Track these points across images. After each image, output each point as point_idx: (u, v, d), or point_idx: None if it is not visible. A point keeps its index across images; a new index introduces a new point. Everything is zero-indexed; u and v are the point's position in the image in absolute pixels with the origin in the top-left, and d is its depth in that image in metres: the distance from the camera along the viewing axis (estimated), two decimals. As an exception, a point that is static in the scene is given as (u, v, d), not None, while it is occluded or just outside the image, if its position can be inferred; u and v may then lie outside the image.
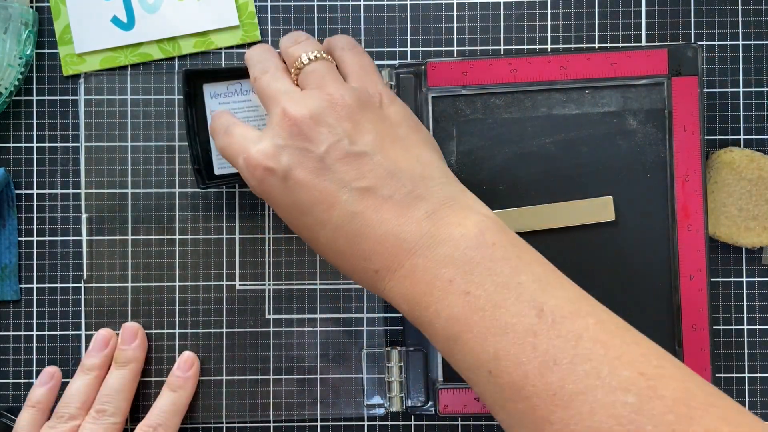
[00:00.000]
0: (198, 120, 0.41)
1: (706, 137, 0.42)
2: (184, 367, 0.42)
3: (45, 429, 0.39)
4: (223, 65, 0.43)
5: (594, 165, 0.40)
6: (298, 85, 0.35)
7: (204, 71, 0.40)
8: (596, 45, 0.43)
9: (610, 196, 0.40)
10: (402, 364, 0.42)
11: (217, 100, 0.41)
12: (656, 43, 0.42)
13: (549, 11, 0.43)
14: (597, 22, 0.43)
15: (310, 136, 0.32)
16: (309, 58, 0.34)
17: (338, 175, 0.31)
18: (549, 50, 0.43)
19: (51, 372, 0.42)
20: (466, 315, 0.29)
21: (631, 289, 0.40)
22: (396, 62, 0.43)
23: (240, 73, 0.40)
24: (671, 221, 0.40)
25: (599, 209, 0.40)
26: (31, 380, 0.42)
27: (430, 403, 0.42)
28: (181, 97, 0.41)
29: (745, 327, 0.42)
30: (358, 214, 0.31)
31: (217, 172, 0.41)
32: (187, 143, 0.41)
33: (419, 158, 0.33)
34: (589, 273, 0.40)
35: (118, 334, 0.42)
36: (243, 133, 0.34)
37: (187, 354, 0.42)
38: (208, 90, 0.41)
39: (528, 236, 0.40)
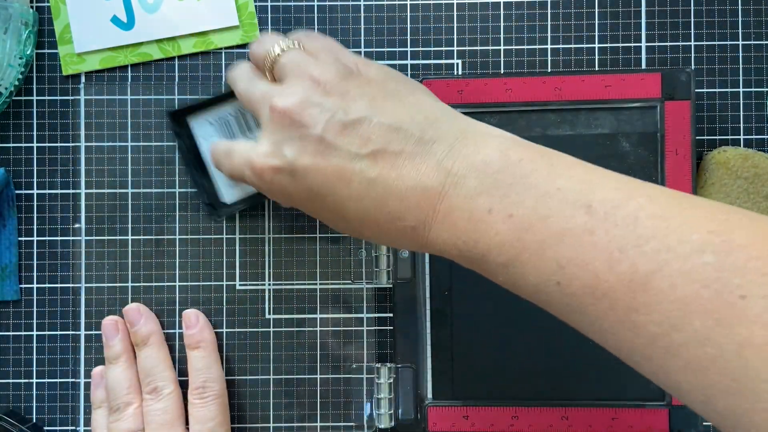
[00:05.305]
0: (195, 155, 0.41)
1: (706, 137, 0.42)
2: (191, 323, 0.42)
3: (112, 423, 0.40)
4: (210, 96, 0.43)
5: None
6: (276, 81, 0.35)
7: (188, 107, 0.41)
8: (596, 45, 0.43)
9: None
10: (391, 380, 0.42)
11: (206, 130, 0.41)
12: (651, 67, 0.42)
13: (549, 21, 0.43)
14: (597, 22, 0.43)
15: (303, 122, 0.31)
16: (281, 49, 0.34)
17: (344, 149, 0.31)
18: (548, 66, 0.43)
19: (100, 371, 0.42)
20: (516, 237, 0.28)
21: None
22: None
23: (222, 99, 0.41)
24: None
25: None
26: (30, 380, 0.42)
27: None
28: (183, 95, 0.41)
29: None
30: (376, 179, 0.30)
31: (228, 200, 0.41)
32: (190, 181, 0.42)
33: (417, 105, 0.32)
34: None
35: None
36: (242, 148, 0.34)
37: (187, 312, 0.42)
38: (195, 123, 0.41)
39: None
